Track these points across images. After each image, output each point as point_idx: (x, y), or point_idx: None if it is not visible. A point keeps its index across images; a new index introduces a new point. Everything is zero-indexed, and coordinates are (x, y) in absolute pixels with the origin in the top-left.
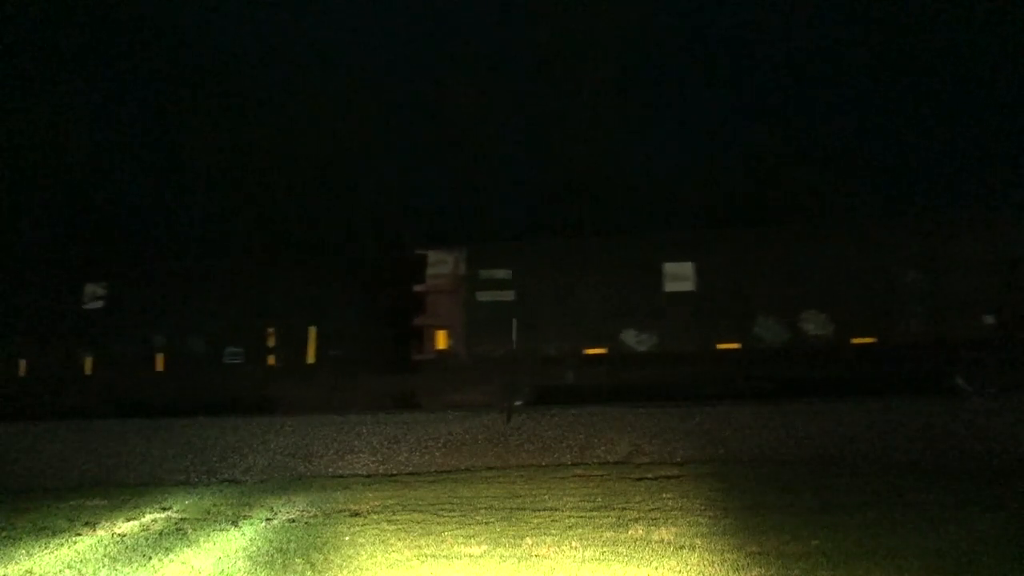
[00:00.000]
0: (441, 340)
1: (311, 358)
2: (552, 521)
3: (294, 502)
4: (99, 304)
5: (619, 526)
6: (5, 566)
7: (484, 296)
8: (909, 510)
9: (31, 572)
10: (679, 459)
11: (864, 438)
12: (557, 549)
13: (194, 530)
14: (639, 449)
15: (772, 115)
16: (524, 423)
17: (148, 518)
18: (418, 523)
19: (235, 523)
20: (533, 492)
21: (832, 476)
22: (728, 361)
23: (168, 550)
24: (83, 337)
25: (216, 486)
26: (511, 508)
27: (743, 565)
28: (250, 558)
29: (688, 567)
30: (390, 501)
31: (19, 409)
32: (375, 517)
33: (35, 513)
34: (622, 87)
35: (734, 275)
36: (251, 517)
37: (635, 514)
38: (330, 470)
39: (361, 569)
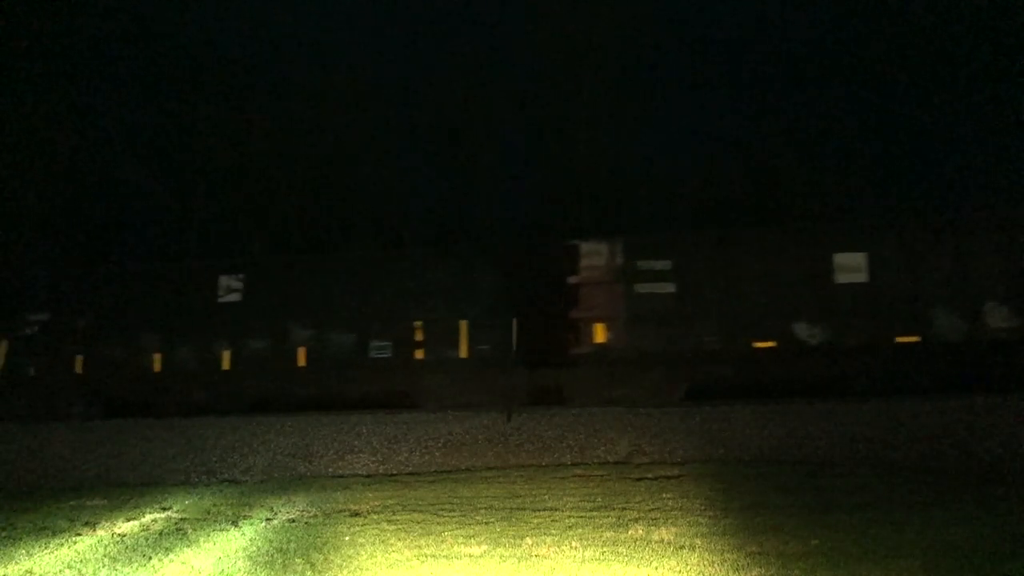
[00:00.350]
0: (600, 334)
1: (464, 353)
2: (552, 521)
3: (294, 502)
4: (235, 297)
5: (619, 526)
6: (5, 566)
7: (643, 288)
8: (909, 510)
9: (31, 572)
10: (679, 459)
11: (864, 438)
12: (557, 549)
13: (194, 530)
14: (639, 449)
15: (773, 114)
16: (524, 423)
17: (148, 518)
18: (418, 523)
19: (235, 523)
20: (533, 492)
21: (832, 476)
22: (906, 355)
23: (168, 550)
24: (219, 331)
25: (216, 486)
26: (511, 508)
27: (743, 565)
28: (250, 558)
29: (688, 567)
30: (390, 501)
31: (154, 406)
32: (375, 517)
33: (35, 513)
34: (622, 87)
35: (909, 265)
36: (251, 517)
37: (635, 514)
38: (330, 470)
39: (361, 569)
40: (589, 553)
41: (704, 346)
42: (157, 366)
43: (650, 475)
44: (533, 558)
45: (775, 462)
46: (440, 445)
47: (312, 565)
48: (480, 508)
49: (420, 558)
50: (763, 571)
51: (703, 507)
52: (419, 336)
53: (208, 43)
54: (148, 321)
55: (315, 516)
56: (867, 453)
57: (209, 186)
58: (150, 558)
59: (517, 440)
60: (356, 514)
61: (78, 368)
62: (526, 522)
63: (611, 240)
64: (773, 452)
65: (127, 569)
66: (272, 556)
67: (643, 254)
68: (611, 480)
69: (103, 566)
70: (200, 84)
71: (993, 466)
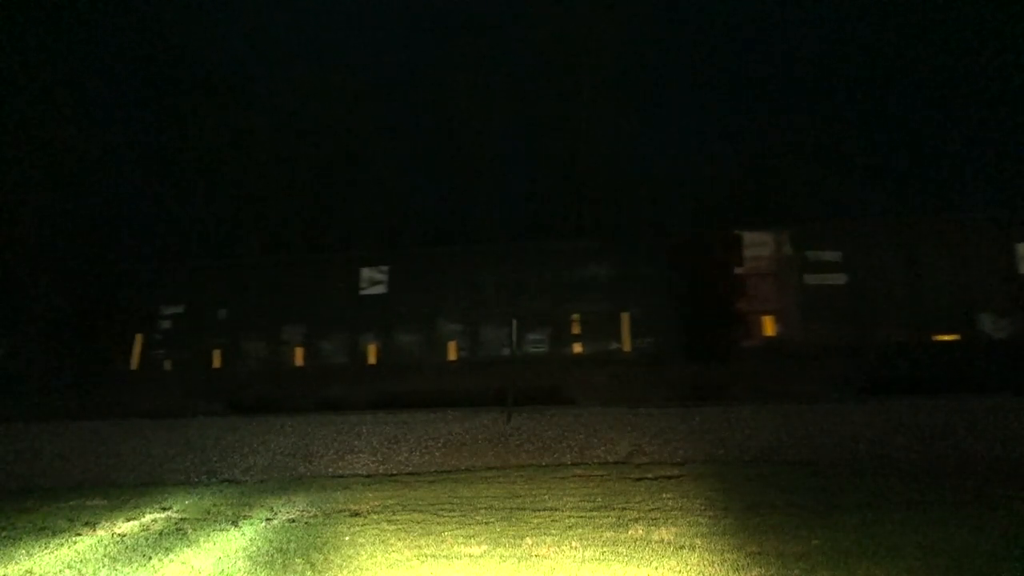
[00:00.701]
0: (768, 326)
1: (626, 346)
2: (552, 521)
3: (294, 502)
4: (380, 289)
5: (619, 526)
6: (5, 566)
7: (813, 279)
8: (909, 510)
9: (31, 572)
10: (679, 459)
11: (864, 438)
12: (557, 549)
13: (194, 530)
14: (639, 449)
15: (774, 113)
16: (524, 423)
17: (148, 518)
18: (418, 523)
19: (235, 523)
20: (533, 492)
21: (832, 476)
22: None
23: (168, 550)
24: (364, 325)
25: (216, 486)
26: (511, 508)
27: (743, 565)
28: (250, 558)
29: (688, 567)
30: (390, 501)
31: (293, 401)
32: (375, 517)
33: (35, 513)
34: (622, 87)
35: None
36: (251, 517)
37: (635, 514)
38: (330, 470)
39: (361, 569)
40: (589, 553)
41: (882, 339)
42: (299, 360)
43: (650, 475)
44: (533, 558)
45: (775, 462)
46: (440, 445)
47: (312, 565)
48: (480, 508)
49: (420, 558)
50: (763, 571)
51: (703, 507)
52: (576, 329)
53: (208, 42)
54: (288, 314)
55: (315, 516)
56: (867, 452)
57: (208, 186)
58: (150, 558)
59: (517, 440)
60: (356, 514)
61: (216, 362)
62: (526, 522)
63: (777, 229)
64: (773, 452)
65: (127, 569)
66: (272, 556)
67: (812, 243)
68: (611, 480)
69: (103, 566)
70: (200, 84)
71: None
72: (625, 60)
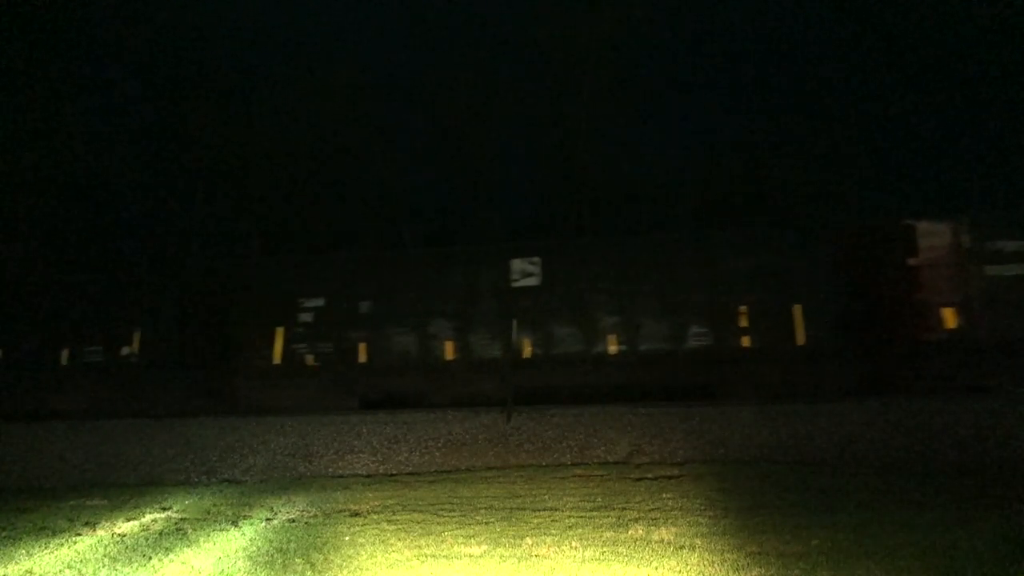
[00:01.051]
0: (950, 319)
1: (800, 339)
2: (552, 521)
3: (294, 502)
4: (532, 281)
5: (619, 526)
6: (5, 566)
7: (994, 270)
8: (909, 510)
9: (31, 572)
10: (679, 459)
11: (864, 438)
12: (557, 549)
13: (194, 530)
14: (639, 449)
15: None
16: (524, 423)
17: (148, 518)
18: (418, 523)
19: (235, 523)
20: (533, 492)
21: (832, 476)
22: None
23: (168, 550)
24: (515, 317)
25: (216, 486)
26: (511, 508)
27: (743, 565)
28: (250, 558)
29: (688, 567)
30: (390, 501)
31: (444, 395)
32: (375, 517)
33: (35, 513)
34: (622, 87)
35: None
36: (251, 517)
37: (635, 514)
38: (330, 470)
39: (361, 569)
40: (589, 553)
41: None
42: (450, 354)
43: (650, 475)
44: (533, 558)
45: (775, 462)
46: (440, 445)
47: (312, 565)
48: (480, 508)
49: (420, 558)
50: (763, 571)
51: (703, 507)
52: (744, 322)
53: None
54: (436, 307)
55: (315, 516)
56: (867, 453)
57: (208, 186)
58: (150, 558)
59: (517, 440)
60: (356, 514)
61: (362, 356)
62: (526, 522)
63: (954, 220)
64: (773, 452)
65: (127, 569)
66: (272, 556)
67: (992, 233)
68: (611, 480)
69: (103, 566)
70: (199, 84)
71: None
72: (624, 60)
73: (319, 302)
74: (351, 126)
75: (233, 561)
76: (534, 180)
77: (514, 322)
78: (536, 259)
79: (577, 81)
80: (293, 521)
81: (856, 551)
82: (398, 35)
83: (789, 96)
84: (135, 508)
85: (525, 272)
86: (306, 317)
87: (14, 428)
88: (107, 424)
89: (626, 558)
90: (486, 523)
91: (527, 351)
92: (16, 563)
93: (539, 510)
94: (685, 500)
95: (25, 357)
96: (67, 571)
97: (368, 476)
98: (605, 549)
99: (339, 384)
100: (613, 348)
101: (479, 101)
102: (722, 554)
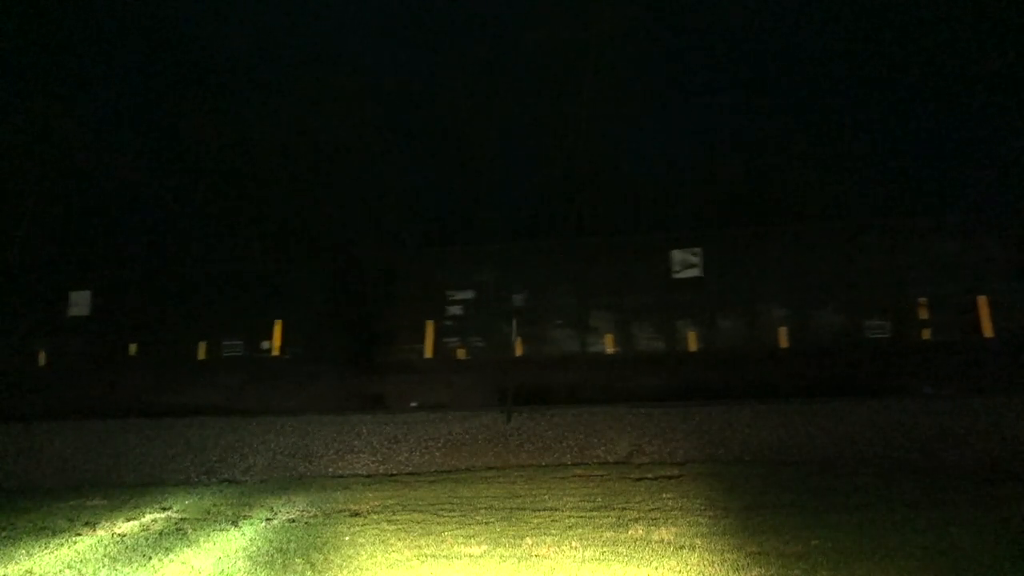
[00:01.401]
0: None
1: (987, 331)
2: (552, 521)
3: (294, 502)
4: (693, 272)
5: (619, 526)
6: (5, 566)
7: None
8: (909, 510)
9: (31, 572)
10: (679, 459)
11: (864, 438)
12: (557, 549)
13: (194, 530)
14: (639, 449)
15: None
16: (524, 423)
17: (148, 518)
18: (418, 523)
19: (235, 523)
20: (533, 492)
21: (832, 476)
22: None
23: (168, 550)
24: (677, 310)
25: (216, 486)
26: (511, 508)
27: (743, 565)
28: (250, 558)
29: (688, 567)
30: (390, 501)
31: (611, 391)
32: (375, 517)
33: (35, 513)
34: (622, 86)
35: None
36: (251, 517)
37: (635, 514)
38: (330, 470)
39: (361, 569)
40: (589, 553)
41: None
42: (610, 347)
43: (650, 475)
44: (533, 558)
45: (775, 462)
46: (440, 445)
47: (312, 565)
48: (480, 508)
49: (420, 558)
50: (763, 571)
51: (703, 507)
52: (924, 314)
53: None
54: (592, 298)
55: (315, 516)
56: (867, 453)
57: (208, 186)
58: (150, 558)
59: (517, 440)
60: (356, 514)
61: (519, 350)
62: (526, 522)
63: None
64: (773, 452)
65: (127, 569)
66: (272, 556)
67: None
68: (611, 480)
69: (103, 566)
70: (199, 83)
71: None
72: (625, 59)
73: (469, 294)
74: (351, 126)
75: (233, 561)
76: (534, 180)
77: (514, 322)
78: (697, 249)
79: (577, 81)
80: (293, 521)
81: (856, 551)
82: (398, 35)
83: (789, 96)
84: (135, 508)
85: (686, 263)
86: (456, 310)
87: (13, 428)
88: (107, 424)
89: (626, 558)
90: (486, 523)
91: (692, 345)
92: (16, 563)
93: (539, 510)
94: (685, 500)
95: (161, 351)
96: (67, 571)
97: (368, 476)
98: (605, 549)
99: (491, 379)
100: (784, 343)
101: (479, 101)
102: (722, 554)
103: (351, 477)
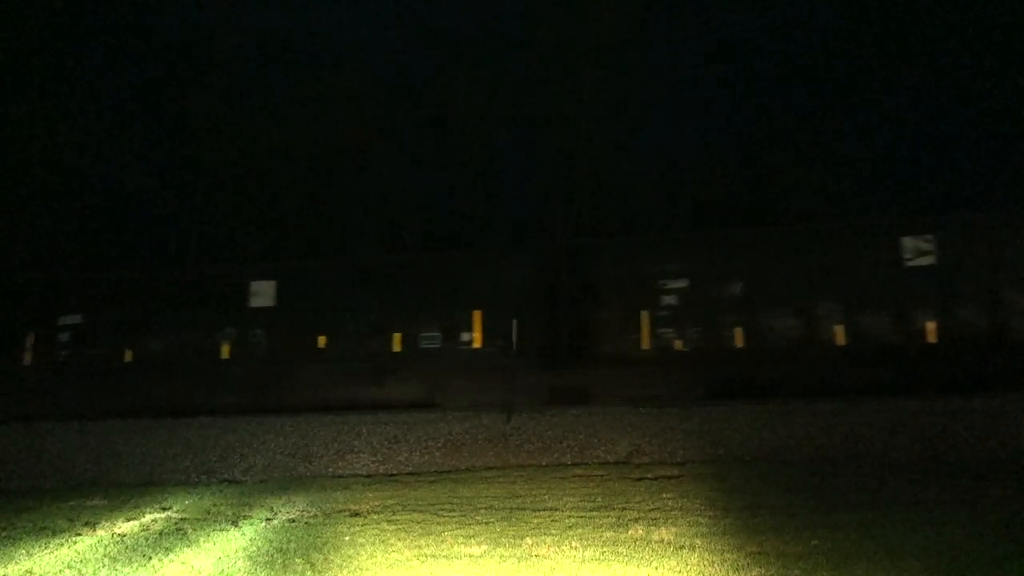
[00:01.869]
0: None
1: None
2: (552, 521)
3: (294, 502)
4: (928, 260)
5: (619, 526)
6: (5, 566)
7: None
8: (909, 510)
9: (31, 572)
10: (679, 459)
11: (864, 438)
12: (557, 549)
13: (194, 530)
14: (639, 449)
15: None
16: (524, 423)
17: (148, 518)
18: (418, 523)
19: (235, 523)
20: (533, 492)
21: (832, 476)
22: None
23: (168, 550)
24: (911, 299)
25: (216, 486)
26: (511, 508)
27: (743, 565)
28: (250, 558)
29: (688, 567)
30: (390, 501)
31: (842, 384)
32: (375, 517)
33: (35, 513)
34: (622, 86)
35: None
36: (251, 517)
37: (635, 514)
38: (330, 470)
39: (361, 569)
40: (589, 553)
41: None
42: (841, 339)
43: (650, 475)
44: (533, 558)
45: (775, 462)
46: (440, 445)
47: (312, 565)
48: (480, 508)
49: (420, 558)
50: (763, 571)
51: (703, 507)
52: None
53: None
54: (815, 287)
55: (315, 516)
56: (867, 453)
57: (208, 186)
58: (150, 558)
59: (517, 440)
60: (356, 514)
61: (739, 341)
62: (526, 522)
63: None
64: (773, 452)
65: (127, 569)
66: (272, 556)
67: None
68: (611, 480)
69: (103, 566)
70: (199, 83)
71: None
72: (624, 59)
73: (683, 283)
74: (350, 126)
75: (233, 561)
76: (534, 180)
77: (514, 322)
78: (930, 236)
79: (577, 81)
80: (293, 521)
81: (856, 551)
82: (398, 35)
83: (789, 96)
84: (135, 508)
85: (919, 251)
86: (670, 300)
87: (13, 428)
88: (107, 424)
89: (626, 558)
90: (486, 523)
91: (931, 336)
92: (16, 563)
93: (539, 510)
94: (685, 500)
95: (352, 341)
96: (67, 571)
97: (368, 476)
98: (605, 549)
99: (710, 372)
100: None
101: (479, 101)
102: (722, 554)
103: (351, 477)
